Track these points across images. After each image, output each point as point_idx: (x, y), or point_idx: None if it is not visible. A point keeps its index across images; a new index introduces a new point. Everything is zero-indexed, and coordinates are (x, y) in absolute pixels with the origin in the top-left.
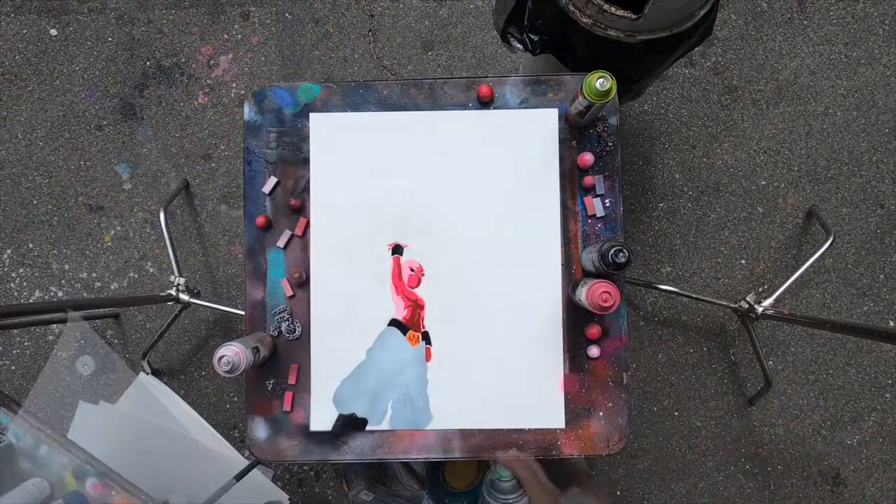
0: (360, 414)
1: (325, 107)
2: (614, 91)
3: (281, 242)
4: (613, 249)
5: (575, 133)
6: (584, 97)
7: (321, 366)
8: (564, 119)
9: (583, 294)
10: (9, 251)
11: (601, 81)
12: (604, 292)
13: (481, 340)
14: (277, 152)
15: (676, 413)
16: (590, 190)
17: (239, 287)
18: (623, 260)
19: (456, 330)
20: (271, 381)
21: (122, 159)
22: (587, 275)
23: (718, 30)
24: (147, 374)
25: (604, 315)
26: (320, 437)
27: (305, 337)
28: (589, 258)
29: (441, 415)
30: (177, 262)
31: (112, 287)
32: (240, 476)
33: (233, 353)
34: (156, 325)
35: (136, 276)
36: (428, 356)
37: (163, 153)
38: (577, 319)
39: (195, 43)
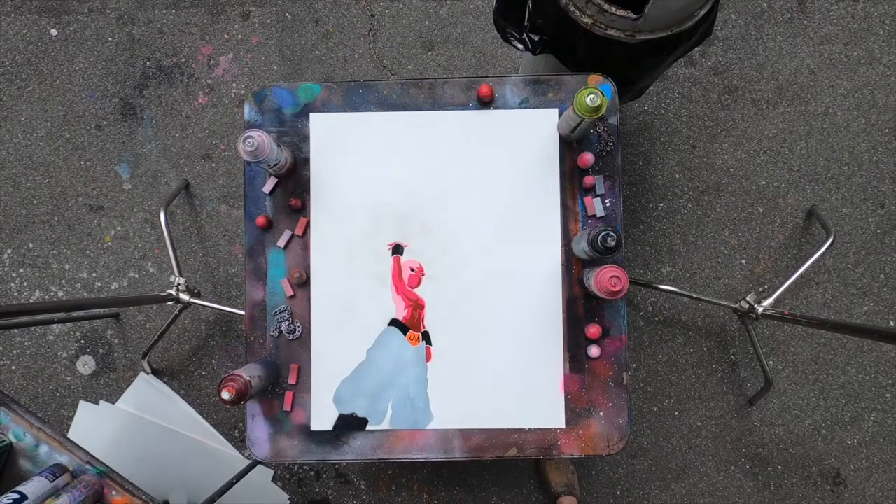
0: (360, 414)
1: (325, 107)
2: (605, 107)
3: (281, 242)
4: (602, 234)
5: None
6: (575, 113)
7: (321, 366)
8: None
9: (591, 281)
10: (9, 251)
11: (592, 97)
12: (612, 276)
13: (481, 340)
14: None
15: (676, 413)
16: (590, 190)
17: (239, 287)
18: (613, 244)
19: (456, 330)
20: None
21: (122, 159)
22: (583, 265)
23: (718, 30)
24: (147, 373)
25: (604, 313)
26: (320, 437)
27: (305, 337)
28: (580, 248)
29: (441, 415)
30: (177, 262)
31: (112, 287)
32: (240, 476)
33: (257, 134)
34: (156, 325)
35: (136, 276)
36: (428, 356)
37: (163, 153)
38: (576, 319)
39: (195, 43)
